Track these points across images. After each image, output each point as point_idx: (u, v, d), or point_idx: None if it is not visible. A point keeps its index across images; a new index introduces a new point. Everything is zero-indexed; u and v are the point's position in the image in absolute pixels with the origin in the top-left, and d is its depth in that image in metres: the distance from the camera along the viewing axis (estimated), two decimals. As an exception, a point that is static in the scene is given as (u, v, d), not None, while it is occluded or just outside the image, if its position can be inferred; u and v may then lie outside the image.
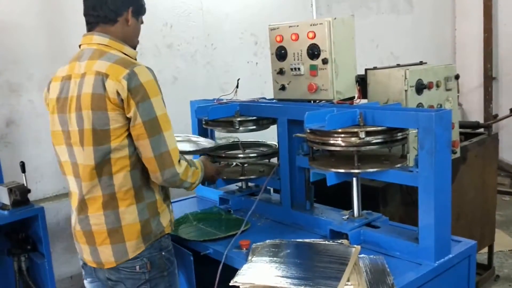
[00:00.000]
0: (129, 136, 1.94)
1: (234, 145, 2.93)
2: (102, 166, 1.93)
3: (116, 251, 1.98)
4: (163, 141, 1.92)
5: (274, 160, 2.82)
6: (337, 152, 2.28)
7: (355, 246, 2.06)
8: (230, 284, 1.83)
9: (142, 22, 2.17)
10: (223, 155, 2.75)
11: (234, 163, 2.86)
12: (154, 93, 1.92)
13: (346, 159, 2.25)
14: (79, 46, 2.09)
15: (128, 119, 1.91)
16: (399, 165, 2.14)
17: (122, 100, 1.87)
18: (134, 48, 2.13)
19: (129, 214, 1.98)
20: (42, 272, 3.13)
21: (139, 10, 2.12)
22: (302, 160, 2.45)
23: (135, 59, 2.05)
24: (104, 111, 1.89)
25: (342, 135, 2.14)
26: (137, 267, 2.00)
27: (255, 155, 2.75)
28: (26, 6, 3.48)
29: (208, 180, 2.49)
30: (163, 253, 2.06)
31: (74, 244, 2.14)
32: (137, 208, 1.98)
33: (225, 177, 2.80)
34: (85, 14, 2.06)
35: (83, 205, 2.01)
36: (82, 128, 1.93)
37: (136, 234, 1.98)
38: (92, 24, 2.04)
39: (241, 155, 2.74)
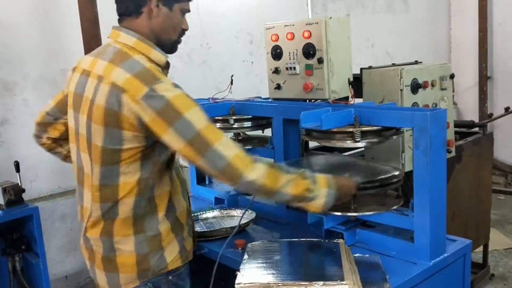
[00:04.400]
0: (142, 159, 1.72)
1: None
2: (106, 188, 1.74)
3: (109, 280, 1.82)
4: (218, 154, 1.64)
5: (268, 131, 2.80)
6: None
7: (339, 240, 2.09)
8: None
9: (185, 11, 1.86)
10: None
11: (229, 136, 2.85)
12: (187, 106, 1.68)
13: None
14: (108, 37, 1.87)
15: (150, 141, 1.69)
16: (395, 207, 2.17)
17: (142, 123, 1.64)
18: (173, 44, 1.88)
19: (124, 245, 1.77)
20: (37, 272, 3.12)
21: None
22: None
23: (165, 66, 1.85)
24: (118, 129, 1.67)
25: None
26: None
27: (249, 124, 2.71)
28: (22, 5, 3.47)
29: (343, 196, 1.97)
30: (170, 277, 1.84)
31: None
32: (135, 239, 1.77)
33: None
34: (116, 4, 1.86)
35: (83, 221, 1.86)
36: (90, 141, 1.74)
37: (130, 268, 1.78)
38: (120, 16, 1.82)
39: (236, 125, 2.68)
